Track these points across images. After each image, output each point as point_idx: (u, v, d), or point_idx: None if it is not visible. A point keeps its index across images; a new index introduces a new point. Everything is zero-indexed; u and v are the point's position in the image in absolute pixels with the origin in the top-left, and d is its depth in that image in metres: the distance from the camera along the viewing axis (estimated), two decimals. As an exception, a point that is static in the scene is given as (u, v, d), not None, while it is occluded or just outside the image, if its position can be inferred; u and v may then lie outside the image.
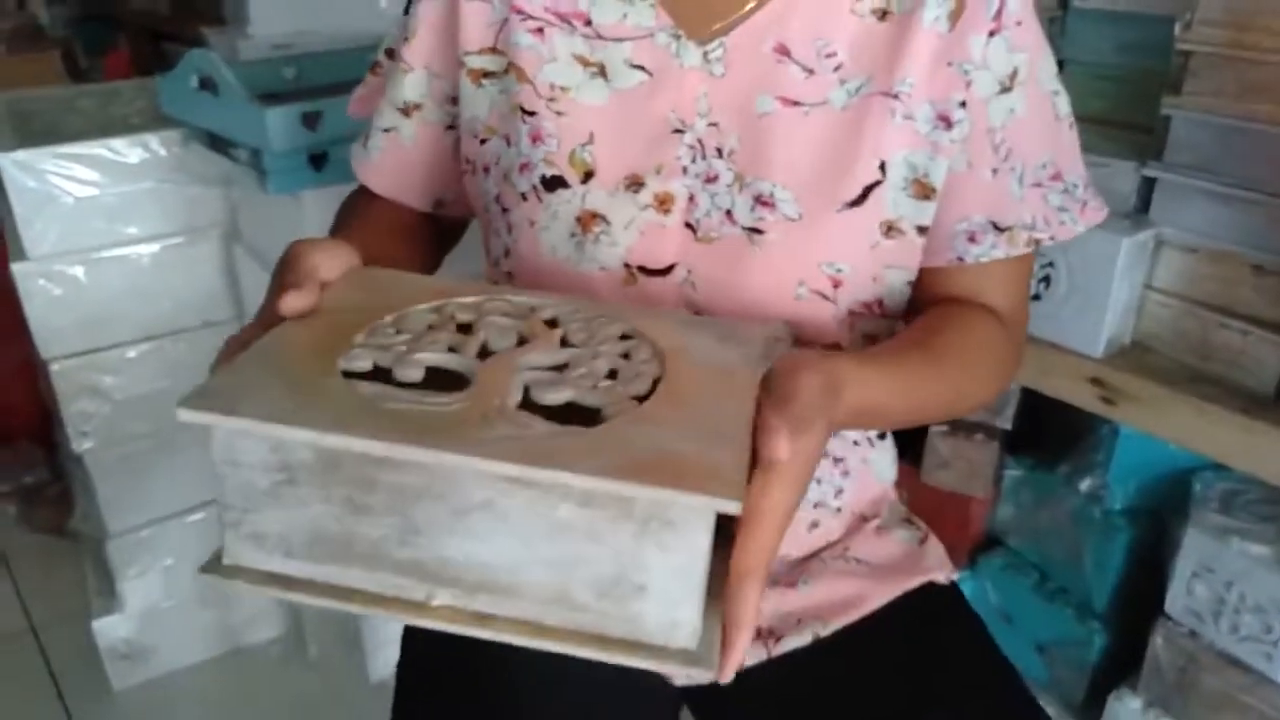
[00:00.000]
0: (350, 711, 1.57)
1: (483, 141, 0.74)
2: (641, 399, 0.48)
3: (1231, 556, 0.97)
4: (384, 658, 1.52)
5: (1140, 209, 1.01)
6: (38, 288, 1.44)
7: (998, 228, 0.69)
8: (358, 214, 0.82)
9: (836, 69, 0.67)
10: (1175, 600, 1.03)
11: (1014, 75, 0.67)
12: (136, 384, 1.54)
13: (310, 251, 0.57)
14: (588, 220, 0.69)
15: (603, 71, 0.68)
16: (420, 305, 0.56)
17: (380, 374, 0.49)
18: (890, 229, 0.68)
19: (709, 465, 0.42)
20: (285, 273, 0.56)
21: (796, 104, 0.67)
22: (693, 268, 0.69)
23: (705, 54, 0.67)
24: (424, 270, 0.81)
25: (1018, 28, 0.66)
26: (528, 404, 0.48)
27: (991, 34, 0.65)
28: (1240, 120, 0.91)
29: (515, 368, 0.50)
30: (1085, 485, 1.14)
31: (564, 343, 0.54)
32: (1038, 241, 0.70)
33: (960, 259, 0.70)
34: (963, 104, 0.66)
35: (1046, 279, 1.02)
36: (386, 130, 0.80)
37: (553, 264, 0.70)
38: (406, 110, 0.78)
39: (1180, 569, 1.02)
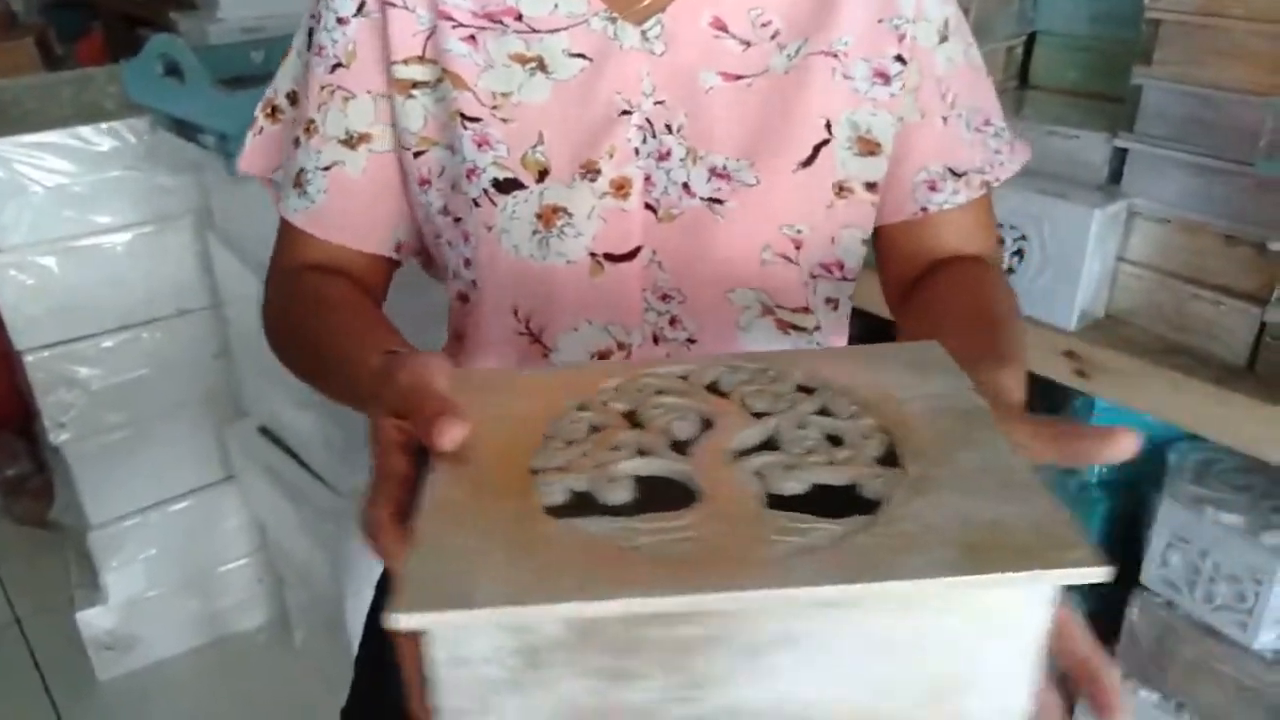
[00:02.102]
0: (336, 697, 1.56)
1: (417, 154, 0.70)
2: (885, 462, 0.43)
3: (1206, 526, 0.97)
4: (368, 643, 1.52)
5: (1112, 180, 1.01)
6: (10, 278, 1.43)
7: (955, 173, 0.71)
8: (337, 301, 0.70)
9: (773, 36, 0.67)
10: (1151, 570, 1.03)
11: (946, 24, 0.70)
12: (113, 373, 1.53)
13: (424, 368, 0.49)
14: (549, 215, 0.68)
15: (542, 65, 0.67)
16: (565, 405, 0.48)
17: (582, 500, 0.42)
18: (841, 189, 0.69)
19: (1041, 530, 0.37)
20: (409, 401, 0.48)
21: (739, 77, 0.67)
22: (658, 248, 0.68)
23: (644, 33, 0.66)
24: None
25: None
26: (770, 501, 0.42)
27: None
28: (1211, 89, 0.91)
29: (730, 459, 0.44)
30: (1062, 458, 1.14)
31: (754, 414, 0.48)
32: (988, 184, 0.73)
33: (924, 209, 0.71)
34: (898, 57, 0.68)
35: (1020, 252, 1.02)
36: (327, 169, 0.71)
37: (516, 264, 0.69)
38: (352, 142, 0.71)
39: (1156, 539, 1.02)
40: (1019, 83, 1.16)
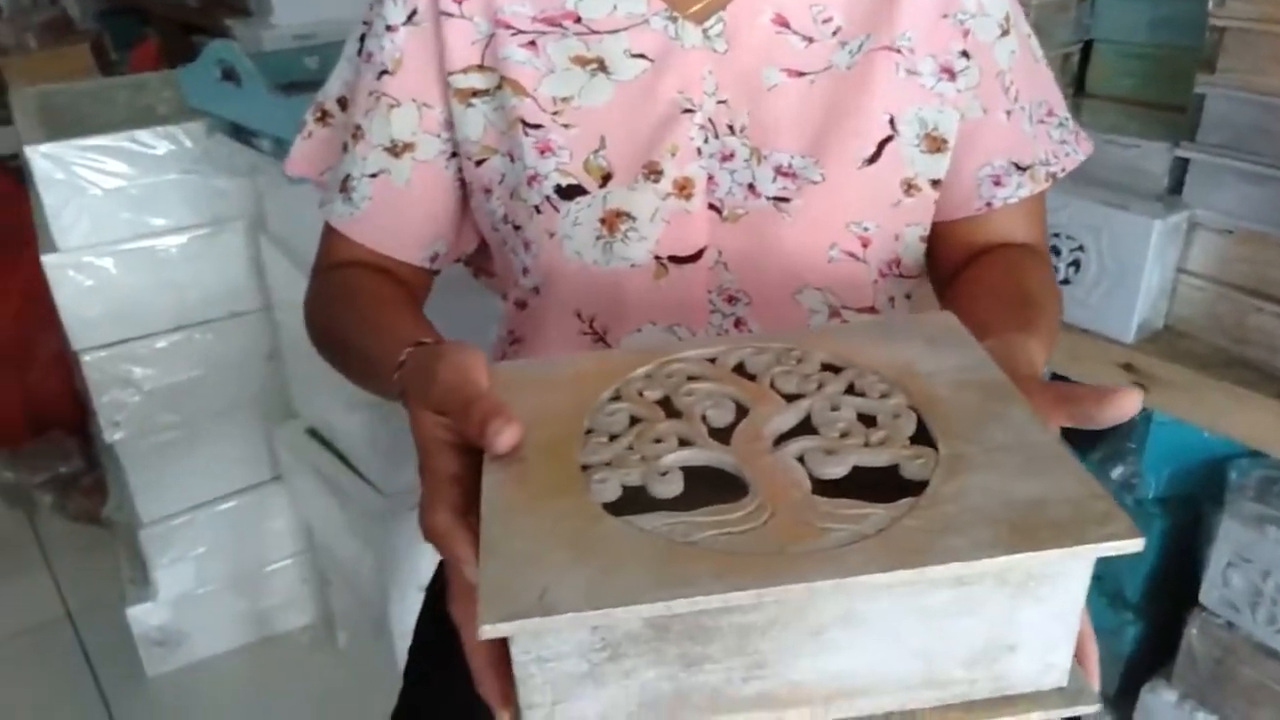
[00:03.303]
0: (378, 698, 1.57)
1: (479, 163, 0.70)
2: (918, 440, 0.45)
3: (1269, 546, 0.95)
4: (412, 645, 1.53)
5: (1173, 190, 0.99)
6: (68, 279, 1.45)
7: (1019, 167, 0.71)
8: (369, 294, 0.71)
9: (835, 33, 0.67)
10: (1211, 590, 1.01)
11: (1007, 19, 0.70)
12: (166, 374, 1.55)
13: (463, 364, 0.49)
14: (612, 220, 0.68)
15: (603, 66, 0.67)
16: (599, 396, 0.50)
17: (633, 495, 0.43)
18: (910, 186, 0.69)
19: (1079, 505, 0.40)
20: (453, 400, 0.48)
21: (801, 74, 0.67)
22: (723, 248, 0.68)
23: (705, 31, 0.66)
24: None
25: None
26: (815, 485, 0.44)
27: None
28: (1276, 98, 0.89)
29: (770, 446, 0.46)
30: (1118, 473, 1.12)
31: (784, 396, 0.49)
32: (1054, 176, 0.73)
33: (989, 204, 0.71)
34: (963, 53, 0.68)
35: (1076, 263, 1.00)
36: (373, 175, 0.71)
37: (580, 269, 0.69)
38: (396, 150, 0.71)
39: (1216, 558, 1.00)
40: (1075, 90, 1.14)
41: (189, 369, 1.56)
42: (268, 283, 1.57)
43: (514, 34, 0.67)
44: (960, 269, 0.72)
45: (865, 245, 0.69)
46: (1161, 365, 0.95)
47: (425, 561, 1.31)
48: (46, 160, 1.39)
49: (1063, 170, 0.73)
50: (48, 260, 1.44)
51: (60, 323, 1.48)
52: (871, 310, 0.71)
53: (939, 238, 0.74)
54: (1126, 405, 0.45)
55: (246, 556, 1.72)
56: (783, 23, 0.67)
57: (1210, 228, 0.96)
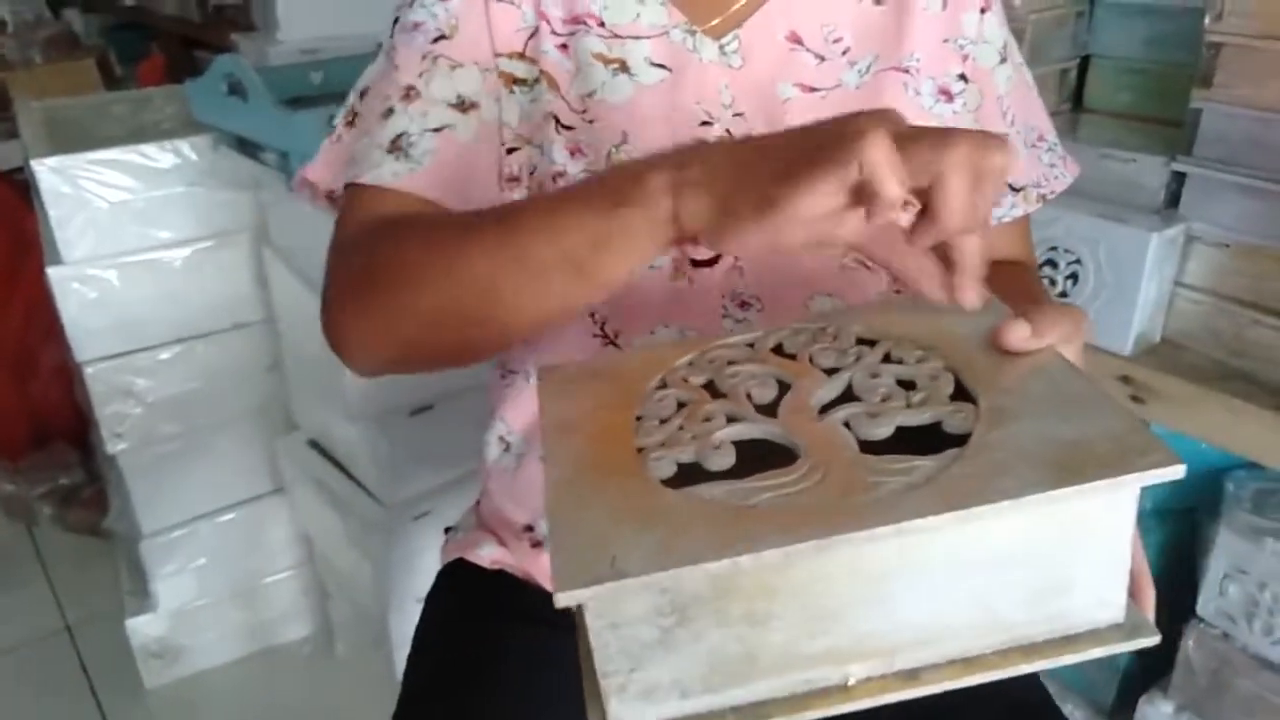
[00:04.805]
0: (377, 710, 1.58)
1: (510, 150, 0.70)
2: (958, 398, 0.46)
3: (1265, 558, 0.95)
4: (411, 657, 1.53)
5: (1170, 204, 1.00)
6: (72, 291, 1.46)
7: (1013, 188, 0.75)
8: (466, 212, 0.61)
9: (844, 53, 0.70)
10: (1207, 602, 1.01)
11: (1005, 47, 0.73)
12: (168, 385, 1.56)
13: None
14: None
15: (624, 67, 0.68)
16: (647, 386, 0.51)
17: (690, 472, 0.45)
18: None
19: (1119, 439, 0.41)
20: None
21: (814, 89, 0.69)
22: (740, 254, 0.69)
23: (721, 47, 0.68)
24: None
25: (998, 6, 0.73)
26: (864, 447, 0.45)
27: (983, 11, 0.72)
28: (1273, 113, 0.90)
29: (815, 415, 0.47)
30: (1115, 485, 1.12)
31: (824, 370, 0.51)
32: (1044, 198, 0.77)
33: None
34: (961, 76, 0.71)
35: (1074, 276, 1.01)
36: (437, 130, 0.65)
37: None
38: (463, 106, 0.66)
39: (1212, 570, 1.00)
40: (1073, 105, 1.15)
41: (191, 381, 1.57)
42: (271, 295, 1.58)
43: (553, 32, 0.68)
44: None
45: None
46: (1159, 378, 0.96)
47: (425, 572, 1.31)
48: (52, 173, 1.40)
49: (1052, 192, 0.77)
50: (52, 273, 1.45)
51: (63, 334, 1.49)
52: None
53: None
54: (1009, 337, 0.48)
55: (247, 568, 1.73)
56: (796, 40, 0.69)
57: (1207, 241, 0.97)
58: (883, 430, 0.45)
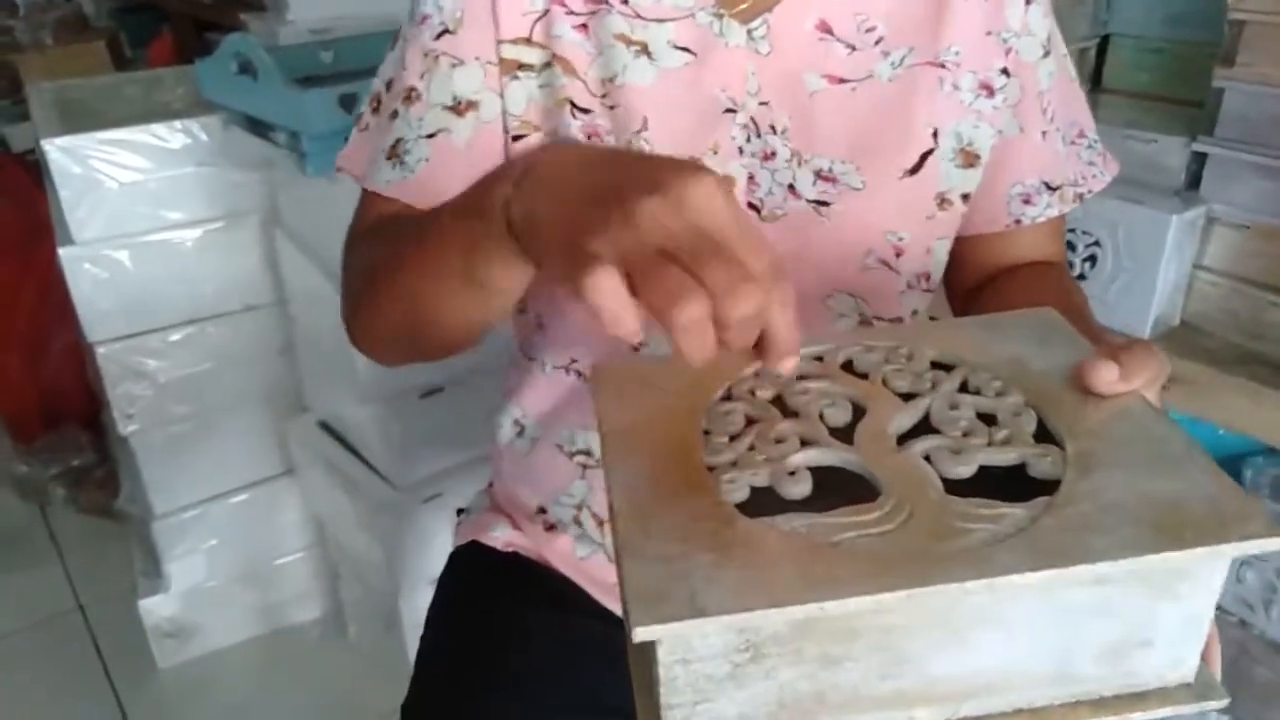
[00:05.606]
0: (389, 691, 1.58)
1: (516, 138, 0.69)
2: (1041, 440, 0.45)
3: (1283, 543, 0.95)
4: (422, 639, 1.54)
5: (1190, 185, 0.99)
6: (84, 272, 1.46)
7: (1050, 187, 0.72)
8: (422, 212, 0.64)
9: (878, 43, 0.67)
10: (1224, 589, 1.01)
11: (1049, 39, 0.70)
12: (179, 366, 1.56)
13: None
14: None
15: (646, 50, 0.66)
16: (712, 396, 0.50)
17: (760, 495, 0.44)
18: (943, 200, 0.70)
19: (1217, 503, 0.40)
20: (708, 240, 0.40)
21: (843, 81, 0.67)
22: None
23: (749, 32, 0.66)
24: None
25: None
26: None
27: (1028, 2, 0.68)
28: (1296, 93, 0.89)
29: (893, 446, 0.46)
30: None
31: (898, 394, 0.49)
32: (1080, 197, 0.74)
33: (1018, 221, 0.72)
34: (1003, 70, 0.68)
35: (1093, 258, 1.00)
36: (430, 136, 0.67)
37: None
38: (459, 109, 0.67)
39: (1229, 555, 0.99)
40: (1092, 85, 1.14)
41: (202, 362, 1.57)
42: (281, 276, 1.57)
43: (568, 13, 0.67)
44: (986, 282, 0.73)
45: (899, 254, 0.70)
46: (1177, 362, 0.95)
47: (435, 554, 1.32)
48: (63, 154, 1.40)
49: (1089, 191, 0.74)
50: (64, 253, 1.45)
51: (74, 315, 1.49)
52: (899, 321, 0.72)
53: (962, 251, 0.75)
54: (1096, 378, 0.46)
55: (258, 549, 1.73)
56: (826, 29, 0.67)
57: (1227, 223, 0.96)
58: (966, 469, 0.44)
